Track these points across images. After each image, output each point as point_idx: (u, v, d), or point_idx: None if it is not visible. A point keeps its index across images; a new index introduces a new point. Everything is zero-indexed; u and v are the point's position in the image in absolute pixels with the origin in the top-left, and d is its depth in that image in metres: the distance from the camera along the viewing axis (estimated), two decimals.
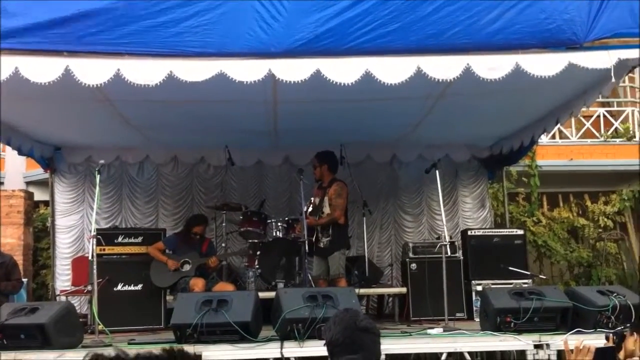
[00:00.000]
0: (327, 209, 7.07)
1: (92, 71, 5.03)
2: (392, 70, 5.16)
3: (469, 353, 5.29)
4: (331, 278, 6.98)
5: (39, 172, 11.22)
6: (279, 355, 5.03)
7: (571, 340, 3.23)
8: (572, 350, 3.11)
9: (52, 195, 8.91)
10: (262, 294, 5.94)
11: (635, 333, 4.08)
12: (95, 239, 5.80)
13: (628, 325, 4.99)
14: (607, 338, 4.10)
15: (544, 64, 5.19)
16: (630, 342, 4.05)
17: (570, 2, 5.11)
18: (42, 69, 4.99)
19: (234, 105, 6.52)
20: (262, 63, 5.08)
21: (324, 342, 2.58)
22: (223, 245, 7.72)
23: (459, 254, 7.84)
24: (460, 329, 5.78)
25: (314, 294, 5.36)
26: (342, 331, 2.49)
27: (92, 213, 7.13)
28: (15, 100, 5.91)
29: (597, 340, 4.23)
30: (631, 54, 5.17)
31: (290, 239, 7.60)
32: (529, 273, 7.80)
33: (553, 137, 12.61)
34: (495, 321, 5.49)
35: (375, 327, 2.55)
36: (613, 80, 5.33)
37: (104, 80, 5.03)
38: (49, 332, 5.03)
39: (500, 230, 8.52)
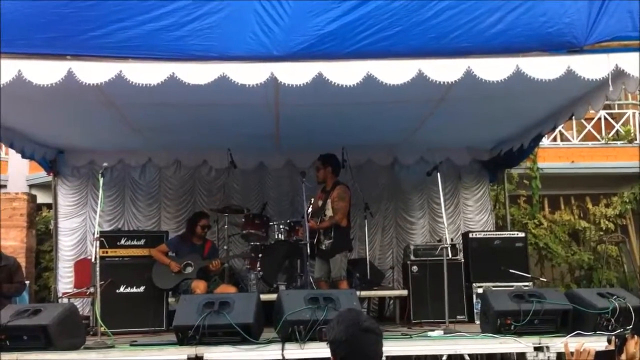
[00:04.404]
0: (329, 212, 7.08)
1: (95, 72, 5.03)
2: (394, 73, 5.17)
3: (469, 355, 5.30)
4: (333, 280, 7.00)
5: (42, 175, 11.27)
6: (280, 357, 5.03)
7: (571, 343, 3.23)
8: (572, 353, 3.12)
9: (55, 198, 8.96)
10: (263, 296, 5.95)
11: (636, 336, 4.09)
12: (98, 242, 5.83)
13: (629, 327, 5.02)
14: (609, 341, 4.10)
15: (545, 67, 5.17)
16: (631, 345, 4.06)
17: (570, 6, 5.11)
18: (45, 72, 4.98)
19: (236, 109, 6.54)
20: (265, 66, 5.07)
21: (325, 343, 2.59)
22: (225, 247, 7.73)
23: (460, 257, 7.84)
24: (460, 332, 5.79)
25: (315, 296, 5.35)
26: (345, 330, 2.50)
27: (94, 216, 7.19)
28: (18, 104, 5.94)
29: (597, 342, 4.23)
30: (630, 57, 5.18)
31: (292, 242, 7.62)
32: (529, 275, 7.83)
33: (554, 139, 12.64)
34: (496, 323, 5.48)
35: (377, 328, 2.56)
36: (611, 89, 5.35)
37: (105, 80, 5.04)
38: (51, 334, 5.01)
39: (502, 232, 8.53)
